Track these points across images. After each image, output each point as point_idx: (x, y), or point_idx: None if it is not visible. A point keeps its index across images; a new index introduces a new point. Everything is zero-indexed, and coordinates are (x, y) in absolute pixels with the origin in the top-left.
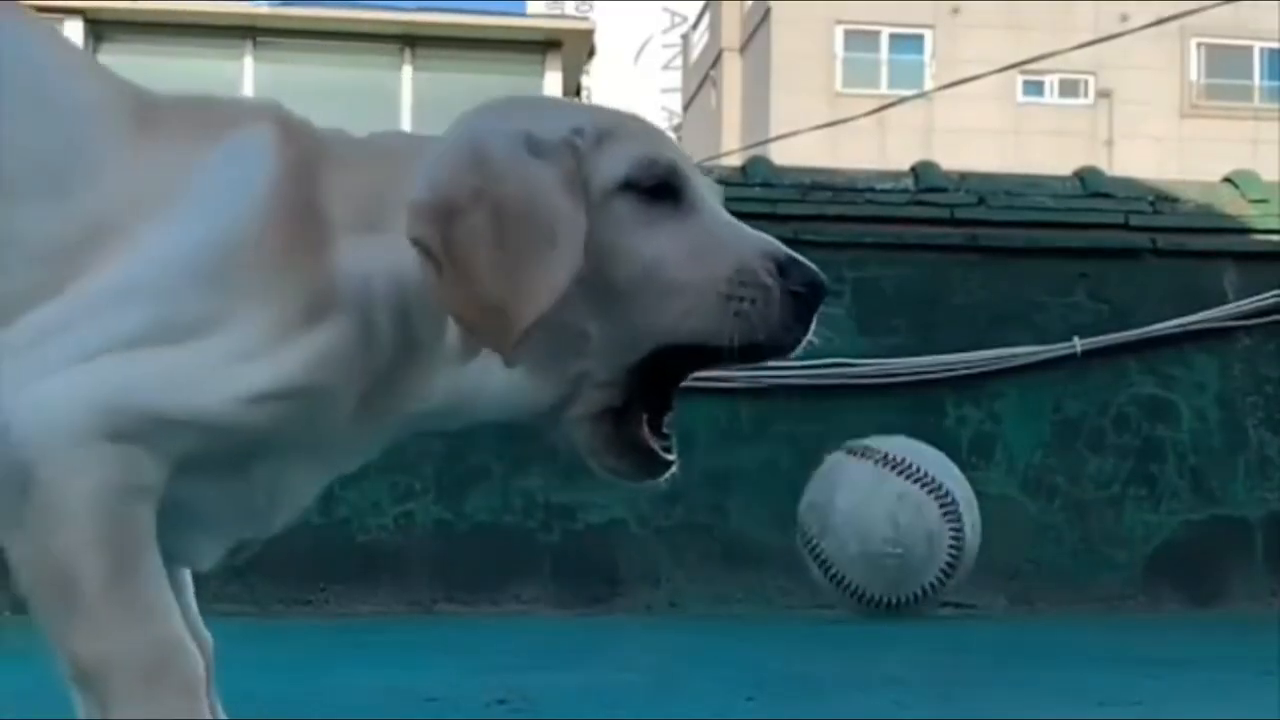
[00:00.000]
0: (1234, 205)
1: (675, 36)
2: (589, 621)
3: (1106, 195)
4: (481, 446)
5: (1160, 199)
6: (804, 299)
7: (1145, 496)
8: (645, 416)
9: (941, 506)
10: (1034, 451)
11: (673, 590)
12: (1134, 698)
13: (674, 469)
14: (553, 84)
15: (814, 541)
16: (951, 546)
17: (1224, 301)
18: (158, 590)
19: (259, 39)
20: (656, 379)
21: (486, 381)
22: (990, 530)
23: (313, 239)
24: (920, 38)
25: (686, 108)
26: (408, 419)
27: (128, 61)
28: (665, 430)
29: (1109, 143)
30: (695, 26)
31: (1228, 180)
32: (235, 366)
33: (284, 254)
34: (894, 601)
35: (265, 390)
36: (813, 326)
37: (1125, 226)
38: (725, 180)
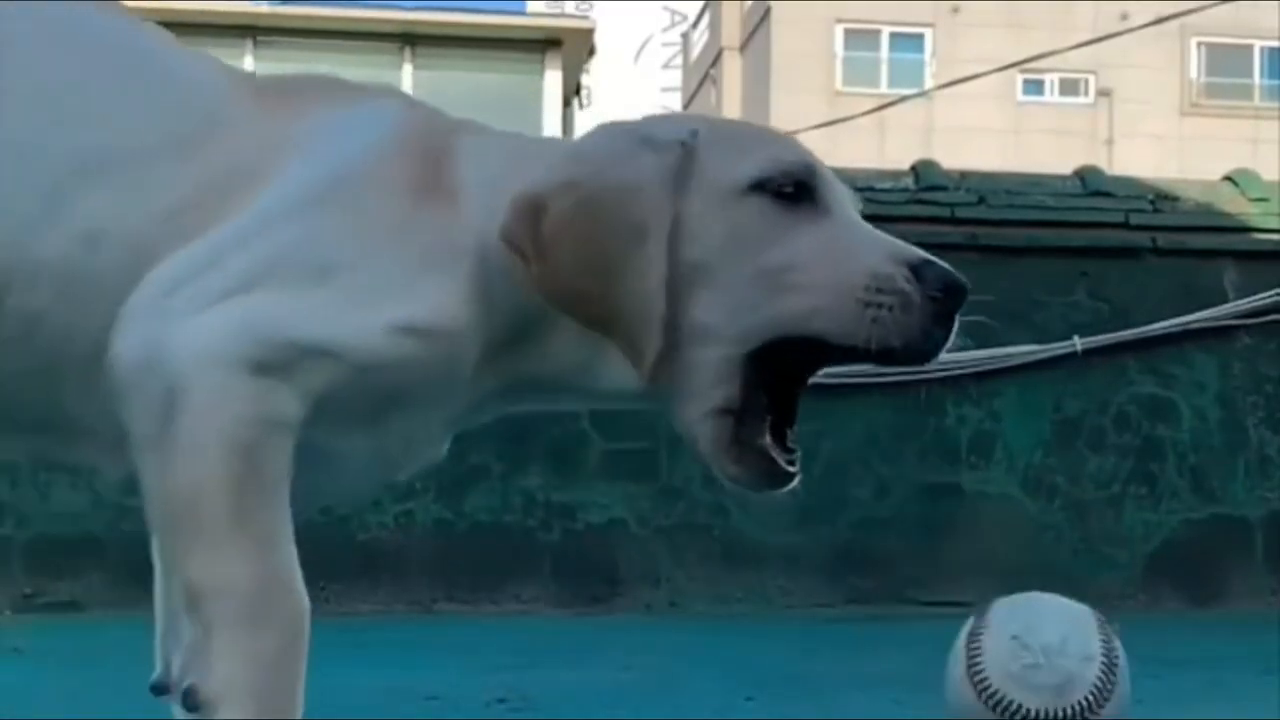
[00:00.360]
0: (1234, 204)
1: (675, 35)
2: (589, 621)
3: (1107, 194)
4: (481, 446)
5: (1160, 198)
6: (942, 303)
7: (1145, 496)
8: (768, 424)
9: (1099, 680)
10: (1034, 451)
11: (673, 590)
12: (1134, 697)
13: (796, 483)
14: (553, 83)
15: (990, 613)
16: (1068, 709)
17: (1224, 301)
18: (280, 530)
19: (259, 38)
20: (777, 382)
21: (597, 362)
22: (990, 530)
23: (439, 187)
24: (920, 37)
25: (686, 107)
26: (523, 384)
27: None
28: (790, 444)
29: (1109, 142)
30: (695, 25)
31: (1228, 179)
32: (371, 301)
33: (412, 194)
34: (989, 696)
35: (400, 325)
36: (954, 330)
37: (1125, 225)
38: None
